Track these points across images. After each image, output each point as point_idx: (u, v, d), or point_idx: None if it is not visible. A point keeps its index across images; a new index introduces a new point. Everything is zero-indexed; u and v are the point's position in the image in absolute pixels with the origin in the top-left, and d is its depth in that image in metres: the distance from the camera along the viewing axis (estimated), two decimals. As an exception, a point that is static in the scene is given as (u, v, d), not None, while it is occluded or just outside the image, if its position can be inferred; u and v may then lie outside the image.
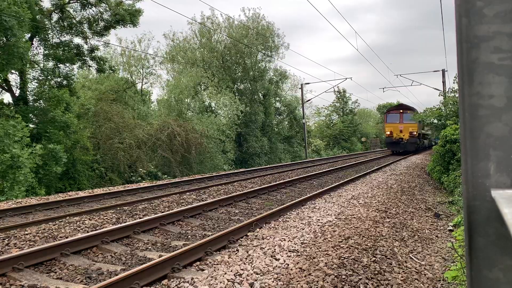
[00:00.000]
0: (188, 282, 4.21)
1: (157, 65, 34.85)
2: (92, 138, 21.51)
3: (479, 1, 0.81)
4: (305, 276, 4.26)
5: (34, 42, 19.45)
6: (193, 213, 8.00)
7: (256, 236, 6.10)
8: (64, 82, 20.17)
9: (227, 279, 4.17)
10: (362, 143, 58.37)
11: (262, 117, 34.84)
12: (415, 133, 30.20)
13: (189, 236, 6.52)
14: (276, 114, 40.47)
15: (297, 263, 4.67)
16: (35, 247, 5.51)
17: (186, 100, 31.28)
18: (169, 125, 24.08)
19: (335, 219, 7.11)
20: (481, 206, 0.83)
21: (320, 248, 5.29)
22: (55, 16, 20.38)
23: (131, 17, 20.62)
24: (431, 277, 5.08)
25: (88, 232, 6.46)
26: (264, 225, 6.85)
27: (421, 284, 4.73)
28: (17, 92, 19.00)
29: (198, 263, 4.93)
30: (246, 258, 4.92)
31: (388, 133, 31.12)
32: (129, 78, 32.70)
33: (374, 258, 5.07)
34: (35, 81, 19.60)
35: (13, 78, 18.99)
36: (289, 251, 5.14)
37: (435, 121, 20.12)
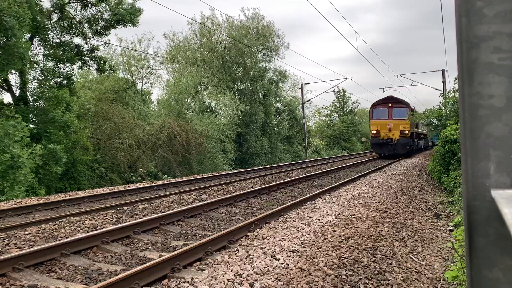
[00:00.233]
0: (188, 282, 4.21)
1: (157, 65, 34.92)
2: (92, 138, 21.51)
3: (479, 1, 0.81)
4: (305, 276, 4.26)
5: (34, 42, 19.46)
6: (193, 213, 8.00)
7: (256, 236, 6.10)
8: (64, 82, 20.18)
9: (227, 279, 4.17)
10: (362, 143, 58.37)
11: (262, 117, 34.85)
12: (407, 132, 24.97)
13: (189, 236, 6.52)
14: (276, 114, 40.48)
15: (297, 263, 4.67)
16: (35, 247, 5.51)
17: (186, 100, 31.28)
18: (169, 125, 24.08)
19: (335, 219, 7.11)
20: (481, 206, 0.83)
21: (320, 248, 5.29)
22: (55, 16, 20.40)
23: (131, 16, 20.63)
24: (431, 277, 5.08)
25: (88, 232, 6.46)
26: (264, 225, 6.85)
27: (421, 284, 4.73)
28: (17, 92, 19.01)
29: (198, 263, 4.93)
30: (246, 258, 4.92)
31: (374, 131, 25.80)
32: (129, 78, 32.71)
33: (374, 258, 5.07)
34: (35, 81, 19.61)
35: (13, 78, 19.02)
36: (289, 251, 5.14)
37: (435, 121, 20.01)
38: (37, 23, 17.73)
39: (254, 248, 5.37)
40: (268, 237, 5.93)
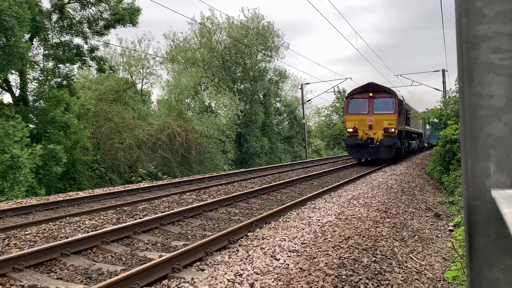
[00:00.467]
0: (188, 282, 4.21)
1: (157, 65, 34.95)
2: (92, 138, 21.53)
3: (479, 1, 0.81)
4: (305, 276, 4.26)
5: (34, 42, 19.48)
6: (193, 213, 8.00)
7: (256, 236, 6.10)
8: (64, 82, 20.20)
9: (227, 279, 4.17)
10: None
11: (262, 117, 34.87)
12: (393, 129, 19.19)
13: (189, 236, 6.52)
14: (276, 114, 40.53)
15: (297, 263, 4.67)
16: (35, 247, 5.51)
17: (186, 100, 31.31)
18: (169, 125, 24.10)
19: (335, 219, 7.11)
20: (481, 206, 0.83)
21: (320, 248, 5.29)
22: (54, 16, 20.41)
23: (130, 16, 20.65)
24: (431, 277, 5.08)
25: (88, 232, 6.46)
26: (264, 225, 6.85)
27: (421, 284, 4.73)
28: (17, 92, 19.03)
29: (198, 263, 4.93)
30: (246, 258, 4.92)
31: (351, 129, 20.07)
32: (129, 78, 32.74)
33: (374, 258, 5.07)
34: (35, 81, 19.63)
35: (13, 78, 19.04)
36: (289, 251, 5.14)
37: (435, 120, 19.82)
38: (37, 23, 17.74)
39: (254, 248, 5.37)
40: (268, 237, 5.93)
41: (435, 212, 9.42)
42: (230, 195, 9.83)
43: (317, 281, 4.10)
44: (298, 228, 6.53)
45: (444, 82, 32.23)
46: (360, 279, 4.31)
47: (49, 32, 19.98)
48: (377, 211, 8.15)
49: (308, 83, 43.97)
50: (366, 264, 4.79)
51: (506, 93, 0.81)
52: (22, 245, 5.84)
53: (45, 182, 16.71)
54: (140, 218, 7.52)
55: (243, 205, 9.35)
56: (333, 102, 59.31)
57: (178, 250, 5.01)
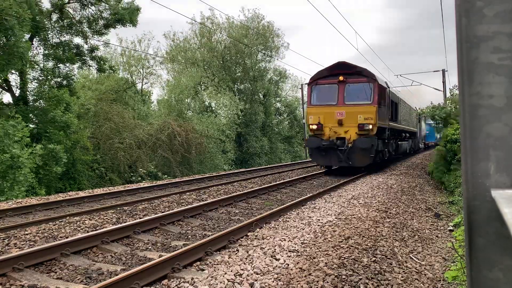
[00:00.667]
0: (188, 282, 4.21)
1: (157, 65, 34.94)
2: (92, 138, 21.53)
3: (479, 1, 0.81)
4: (305, 276, 4.26)
5: (34, 42, 19.48)
6: (193, 213, 8.00)
7: (256, 236, 6.10)
8: (64, 82, 20.21)
9: (227, 279, 4.17)
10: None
11: (262, 117, 34.89)
12: (370, 126, 14.16)
13: (189, 236, 6.52)
14: (276, 114, 40.55)
15: (297, 263, 4.67)
16: (35, 247, 5.51)
17: (186, 100, 31.32)
18: (169, 125, 24.11)
19: (335, 219, 7.11)
20: (481, 206, 0.83)
21: (320, 248, 5.29)
22: (54, 16, 20.41)
23: (130, 15, 20.65)
24: (431, 277, 5.08)
25: (88, 232, 6.46)
26: (264, 225, 6.85)
27: (421, 284, 4.73)
28: (17, 92, 19.03)
29: (198, 263, 4.93)
30: (246, 258, 4.92)
31: (314, 126, 14.91)
32: (129, 78, 32.74)
33: (374, 258, 5.07)
34: (35, 81, 19.64)
35: (13, 78, 19.05)
36: (289, 251, 5.14)
37: (439, 118, 19.57)
38: (37, 23, 17.74)
39: (254, 248, 5.37)
40: (268, 237, 5.93)
41: (435, 212, 9.41)
42: (230, 195, 9.83)
43: (317, 281, 4.10)
44: (298, 228, 6.53)
45: (444, 82, 32.22)
46: (360, 279, 4.31)
47: (49, 31, 19.99)
48: (377, 211, 8.15)
49: (308, 83, 43.93)
50: (366, 264, 4.79)
51: (506, 93, 0.81)
52: (22, 245, 5.83)
53: (45, 182, 16.72)
54: (140, 218, 7.52)
55: (243, 205, 9.35)
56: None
57: (178, 250, 5.01)
